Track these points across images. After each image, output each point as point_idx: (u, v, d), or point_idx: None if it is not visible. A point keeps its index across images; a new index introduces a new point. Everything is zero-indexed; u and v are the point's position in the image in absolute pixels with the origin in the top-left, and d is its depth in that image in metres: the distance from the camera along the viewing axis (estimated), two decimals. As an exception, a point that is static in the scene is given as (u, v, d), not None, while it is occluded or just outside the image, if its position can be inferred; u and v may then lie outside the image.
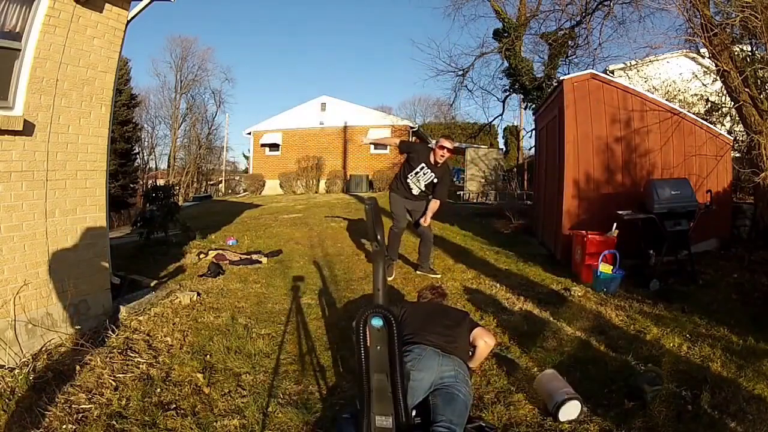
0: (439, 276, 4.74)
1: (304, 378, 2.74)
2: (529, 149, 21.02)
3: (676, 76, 8.99)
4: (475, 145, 18.35)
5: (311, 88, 70.27)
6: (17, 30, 3.01)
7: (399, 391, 1.51)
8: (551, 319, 3.54)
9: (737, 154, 6.43)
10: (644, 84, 9.46)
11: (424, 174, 4.54)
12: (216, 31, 57.48)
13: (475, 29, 56.38)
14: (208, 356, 2.98)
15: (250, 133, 21.36)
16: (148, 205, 6.59)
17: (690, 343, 3.02)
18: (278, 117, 20.87)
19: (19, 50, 3.01)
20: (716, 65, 5.27)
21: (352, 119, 19.70)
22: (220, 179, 33.56)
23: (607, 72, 10.45)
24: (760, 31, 4.72)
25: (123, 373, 2.73)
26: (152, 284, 4.47)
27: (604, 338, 3.14)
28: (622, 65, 10.59)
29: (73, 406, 2.39)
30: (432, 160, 4.50)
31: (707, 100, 8.21)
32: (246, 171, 27.64)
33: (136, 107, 26.30)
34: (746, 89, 5.08)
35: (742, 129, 6.07)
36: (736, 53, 5.50)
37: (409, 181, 4.63)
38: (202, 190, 32.10)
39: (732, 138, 5.91)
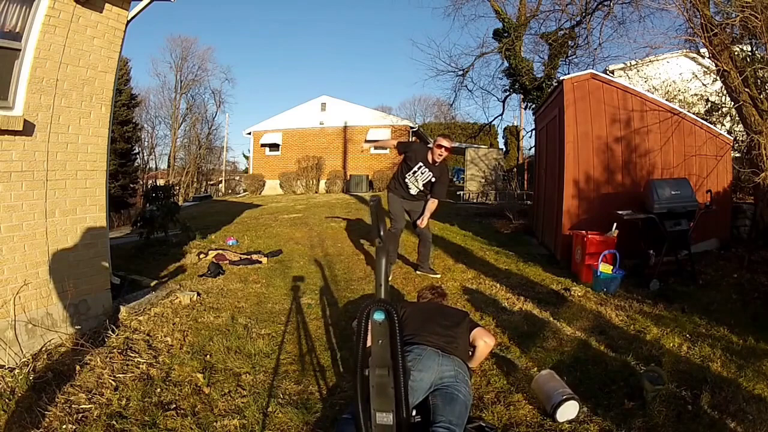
0: (439, 276, 4.73)
1: (304, 378, 2.74)
2: (529, 149, 21.06)
3: (676, 76, 8.98)
4: (475, 145, 18.34)
5: (311, 88, 70.43)
6: (17, 30, 3.01)
7: (401, 386, 1.51)
8: (551, 319, 3.54)
9: (737, 154, 6.43)
10: (644, 84, 9.45)
11: (422, 173, 4.54)
12: (216, 31, 57.59)
13: (475, 29, 56.48)
14: (208, 356, 2.99)
15: (250, 133, 21.36)
16: (148, 205, 6.59)
17: (690, 343, 3.02)
18: (278, 117, 20.87)
19: (19, 50, 3.02)
20: (716, 65, 5.27)
21: (352, 119, 19.70)
22: (220, 179, 33.58)
23: (607, 72, 10.45)
24: (760, 31, 4.72)
25: (123, 373, 2.73)
26: (152, 284, 4.47)
27: (604, 338, 3.14)
28: (622, 65, 10.59)
29: (73, 406, 2.40)
30: (430, 159, 4.49)
31: (707, 100, 8.21)
32: (246, 171, 27.64)
33: (136, 107, 26.31)
34: (746, 89, 5.08)
35: (742, 129, 6.07)
36: (736, 53, 5.49)
37: (407, 180, 4.62)
38: (202, 190, 32.12)
39: (732, 138, 5.90)
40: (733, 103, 5.57)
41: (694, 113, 6.63)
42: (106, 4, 3.50)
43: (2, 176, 2.92)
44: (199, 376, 2.71)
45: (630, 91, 5.52)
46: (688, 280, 4.52)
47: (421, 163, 4.52)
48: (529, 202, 10.34)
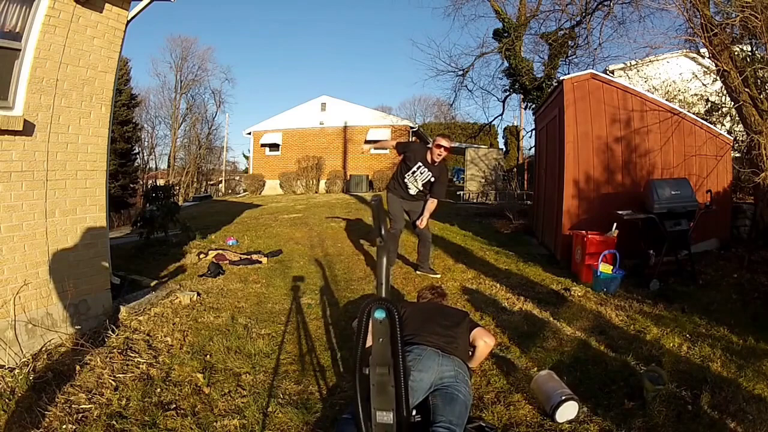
0: (438, 276, 4.73)
1: (304, 378, 2.74)
2: (529, 149, 21.06)
3: (676, 76, 8.98)
4: (475, 145, 18.35)
5: (311, 88, 70.46)
6: (17, 30, 3.01)
7: (401, 385, 1.51)
8: (551, 319, 3.54)
9: (737, 154, 6.43)
10: (644, 84, 9.45)
11: (421, 173, 4.53)
12: (216, 31, 57.61)
13: (475, 29, 56.49)
14: (208, 356, 2.99)
15: (250, 133, 21.36)
16: (148, 205, 6.59)
17: (690, 343, 3.02)
18: (278, 117, 20.87)
19: (19, 50, 3.02)
20: (716, 65, 5.27)
21: (352, 119, 19.70)
22: (220, 179, 33.59)
23: (607, 72, 10.45)
24: (760, 31, 4.72)
25: (123, 373, 2.73)
26: (152, 284, 4.47)
27: (604, 338, 3.14)
28: (622, 65, 10.59)
29: (73, 406, 2.40)
30: (429, 158, 4.49)
31: (707, 100, 8.21)
32: (246, 171, 27.64)
33: (136, 107, 26.32)
34: (746, 89, 5.08)
35: (742, 129, 6.07)
36: (736, 53, 5.49)
37: (406, 180, 4.62)
38: (202, 190, 32.12)
39: (732, 138, 5.90)
40: (733, 103, 5.57)
41: (694, 113, 6.63)
42: (106, 4, 3.50)
43: (2, 176, 2.92)
44: (199, 376, 2.71)
45: (630, 91, 5.52)
46: (688, 280, 4.52)
47: (420, 163, 4.51)
48: (529, 202, 10.35)
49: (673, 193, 4.51)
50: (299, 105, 20.85)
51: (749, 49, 6.19)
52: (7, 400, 2.41)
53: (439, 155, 4.44)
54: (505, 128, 27.34)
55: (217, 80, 57.51)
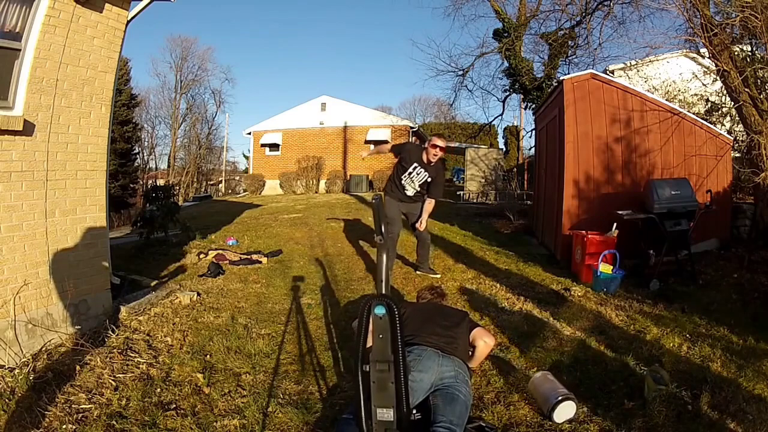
0: (438, 276, 4.73)
1: (304, 378, 2.74)
2: (529, 149, 21.07)
3: (676, 76, 8.99)
4: (475, 145, 18.36)
5: (311, 88, 70.48)
6: (17, 30, 3.01)
7: (401, 381, 1.51)
8: (551, 319, 3.54)
9: (737, 154, 6.43)
10: (644, 84, 9.45)
11: (418, 174, 4.50)
12: (216, 31, 57.64)
13: (475, 29, 56.49)
14: (208, 356, 2.99)
15: (250, 133, 21.36)
16: (148, 205, 6.59)
17: (690, 343, 3.02)
18: (278, 117, 20.87)
19: (19, 50, 3.02)
20: (716, 65, 5.27)
21: (352, 119, 19.70)
22: (220, 179, 33.59)
23: (607, 72, 10.45)
24: (760, 31, 4.72)
25: (123, 373, 2.73)
26: (152, 284, 4.47)
27: (604, 338, 3.14)
28: (622, 65, 10.59)
29: (73, 406, 2.40)
30: (425, 159, 4.46)
31: (707, 100, 8.21)
32: (246, 171, 27.64)
33: (136, 107, 26.32)
34: (746, 89, 5.08)
35: (742, 129, 6.07)
36: (736, 53, 5.49)
37: (403, 182, 4.58)
38: (202, 190, 32.12)
39: (732, 138, 5.90)
40: (733, 103, 5.57)
41: (694, 113, 6.63)
42: (106, 4, 3.50)
43: (2, 176, 2.92)
44: (199, 376, 2.71)
45: (630, 91, 5.52)
46: (688, 280, 4.52)
47: (416, 164, 4.48)
48: (529, 202, 10.35)
49: (673, 193, 4.51)
50: (299, 105, 20.86)
51: (749, 49, 6.19)
52: (7, 400, 2.41)
53: (435, 155, 4.41)
54: (505, 128, 27.37)
55: (217, 80, 57.66)
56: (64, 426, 2.22)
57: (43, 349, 3.00)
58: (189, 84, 32.62)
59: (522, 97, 14.86)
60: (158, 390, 2.56)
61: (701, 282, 4.49)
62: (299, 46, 67.42)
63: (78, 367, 2.74)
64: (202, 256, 5.50)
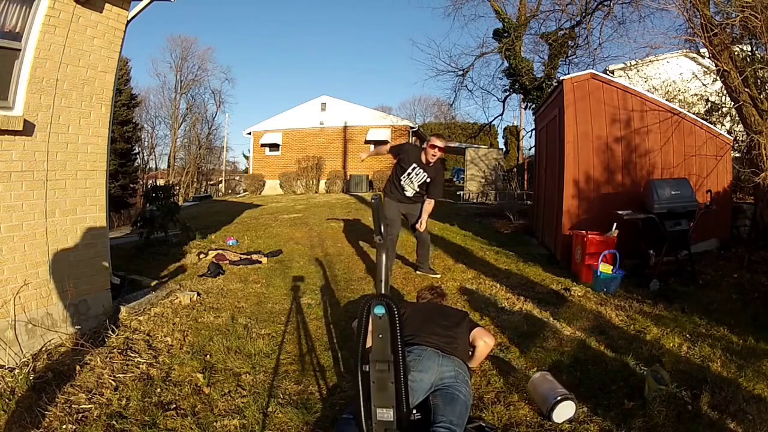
0: (438, 276, 4.73)
1: (304, 378, 2.74)
2: (529, 149, 21.07)
3: (676, 76, 8.99)
4: (475, 145, 18.37)
5: (311, 88, 70.52)
6: (17, 30, 3.01)
7: (401, 381, 1.51)
8: (551, 319, 3.54)
9: (737, 154, 6.43)
10: (644, 84, 9.45)
11: (417, 174, 4.48)
12: (216, 31, 57.66)
13: (475, 29, 56.50)
14: (208, 356, 2.99)
15: (250, 133, 21.36)
16: (148, 205, 6.59)
17: (690, 343, 3.02)
18: (278, 117, 20.87)
19: (19, 50, 3.02)
20: (716, 65, 5.27)
21: (352, 119, 19.71)
22: (220, 179, 33.59)
23: (607, 72, 10.45)
24: (760, 31, 4.71)
25: (123, 373, 2.73)
26: (152, 284, 4.47)
27: (604, 338, 3.14)
28: (622, 65, 10.59)
29: (73, 406, 2.40)
30: (423, 159, 4.45)
31: (707, 100, 8.21)
32: (246, 171, 27.65)
33: (136, 107, 26.32)
34: (746, 89, 5.08)
35: (742, 129, 6.07)
36: (736, 53, 5.49)
37: (402, 183, 4.56)
38: (202, 190, 32.12)
39: (732, 138, 5.90)
40: (733, 103, 5.57)
41: (694, 113, 6.63)
42: (106, 4, 3.50)
43: (2, 176, 2.92)
44: (199, 376, 2.71)
45: (630, 91, 5.52)
46: (688, 280, 4.52)
47: (415, 164, 4.47)
48: (529, 202, 10.35)
49: (673, 193, 4.51)
50: (299, 105, 20.86)
51: (749, 49, 6.18)
52: (7, 400, 2.41)
53: (434, 155, 4.40)
54: (505, 128, 27.38)
55: (217, 80, 57.75)
56: (64, 426, 2.22)
57: (43, 349, 3.00)
58: (189, 84, 32.66)
59: (522, 97, 14.86)
60: (158, 390, 2.56)
61: (701, 282, 4.49)
62: (299, 46, 67.54)
63: (78, 367, 2.74)
64: (202, 256, 5.50)
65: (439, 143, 4.40)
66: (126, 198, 23.22)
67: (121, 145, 22.51)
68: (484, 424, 2.12)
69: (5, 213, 2.95)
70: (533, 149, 10.39)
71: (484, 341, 2.45)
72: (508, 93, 15.11)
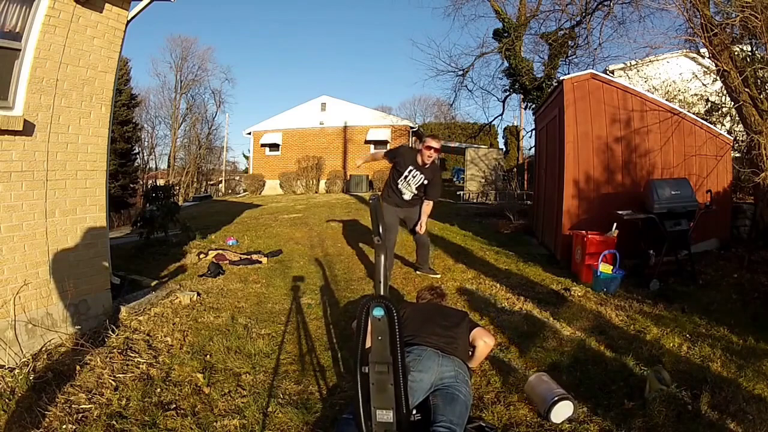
0: (438, 276, 4.73)
1: (304, 378, 2.74)
2: (529, 149, 21.07)
3: (676, 76, 8.98)
4: (475, 145, 18.37)
5: (311, 88, 70.52)
6: (17, 30, 3.01)
7: (400, 383, 1.51)
8: (551, 319, 3.54)
9: (737, 154, 6.43)
10: (644, 84, 9.45)
11: (414, 177, 4.42)
12: (216, 31, 57.67)
13: (475, 29, 56.50)
14: (208, 356, 2.99)
15: (250, 133, 21.37)
16: (148, 205, 6.60)
17: (690, 343, 3.02)
18: (278, 117, 20.88)
19: (19, 50, 3.02)
20: (716, 65, 5.27)
21: (352, 119, 19.71)
22: (220, 179, 33.59)
23: (607, 72, 10.45)
24: (760, 31, 4.71)
25: (123, 373, 2.73)
26: (152, 284, 4.47)
27: (604, 338, 3.14)
28: (622, 65, 10.59)
29: (73, 406, 2.40)
30: (420, 161, 4.39)
31: (707, 100, 8.21)
32: (246, 171, 27.64)
33: (136, 107, 26.32)
34: (746, 89, 5.08)
35: (742, 129, 6.07)
36: (736, 53, 5.49)
37: (400, 186, 4.50)
38: (202, 190, 32.13)
39: (732, 138, 5.90)
40: (733, 103, 5.57)
41: (694, 113, 6.63)
42: (106, 4, 3.50)
43: (2, 176, 2.92)
44: (199, 376, 2.71)
45: (630, 91, 5.52)
46: (688, 280, 4.52)
47: (411, 167, 4.41)
48: (529, 202, 10.35)
49: (673, 193, 4.51)
50: (299, 105, 20.87)
51: (749, 49, 6.18)
52: (7, 400, 2.41)
53: (430, 157, 4.33)
54: (505, 128, 27.36)
55: (217, 80, 57.74)
56: (64, 426, 2.22)
57: (43, 349, 3.00)
58: (189, 84, 32.66)
59: (522, 97, 14.87)
60: (158, 390, 2.56)
61: (701, 282, 4.49)
62: (299, 46, 67.52)
63: (78, 367, 2.74)
64: (202, 256, 5.50)
65: (434, 144, 4.35)
66: (126, 198, 23.23)
67: (121, 145, 22.51)
68: (484, 424, 2.12)
69: (5, 213, 2.95)
70: (533, 149, 10.39)
71: (484, 341, 2.45)
72: (508, 93, 15.13)
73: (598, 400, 2.38)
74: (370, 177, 17.72)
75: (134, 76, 42.47)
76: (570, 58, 12.95)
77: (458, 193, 14.96)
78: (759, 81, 5.90)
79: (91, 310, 3.48)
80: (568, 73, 7.63)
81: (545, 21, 13.45)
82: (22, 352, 2.91)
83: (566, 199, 5.40)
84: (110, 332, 3.25)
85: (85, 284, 3.46)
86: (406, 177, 4.46)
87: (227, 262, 5.29)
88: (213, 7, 55.14)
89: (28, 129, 3.04)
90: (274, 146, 20.49)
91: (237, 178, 32.25)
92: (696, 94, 8.48)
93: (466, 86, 15.08)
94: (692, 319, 3.48)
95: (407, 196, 4.53)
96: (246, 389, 2.60)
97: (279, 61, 66.73)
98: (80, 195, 3.46)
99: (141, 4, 3.92)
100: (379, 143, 18.91)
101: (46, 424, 2.24)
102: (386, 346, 1.49)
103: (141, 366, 2.83)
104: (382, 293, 1.61)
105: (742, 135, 6.19)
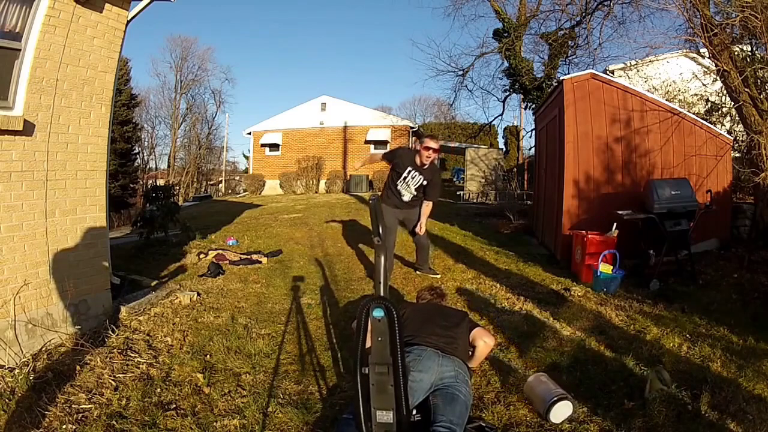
0: (439, 276, 4.73)
1: (304, 378, 2.74)
2: (529, 149, 21.07)
3: (676, 76, 8.98)
4: (475, 145, 18.37)
5: (311, 88, 70.53)
6: (17, 30, 3.01)
7: (400, 384, 1.51)
8: (551, 319, 3.54)
9: (737, 154, 6.43)
10: (644, 84, 9.45)
11: (413, 178, 4.39)
12: (216, 31, 57.68)
13: (475, 29, 56.50)
14: (208, 356, 2.99)
15: (250, 133, 21.37)
16: (148, 205, 6.60)
17: (690, 343, 3.02)
18: (278, 117, 20.88)
19: (19, 50, 3.02)
20: (716, 65, 5.27)
21: (352, 119, 19.71)
22: (220, 179, 33.59)
23: (607, 72, 10.45)
24: (760, 31, 4.71)
25: (123, 373, 2.73)
26: (152, 284, 4.47)
27: (604, 338, 3.14)
28: (622, 65, 10.59)
29: (73, 406, 2.40)
30: (418, 162, 4.36)
31: (707, 100, 8.21)
32: (246, 171, 27.65)
33: (136, 107, 26.33)
34: (746, 89, 5.08)
35: (742, 129, 6.07)
36: (736, 53, 5.49)
37: (399, 188, 4.46)
38: (202, 190, 32.13)
39: (732, 138, 5.90)
40: (733, 103, 5.57)
41: (694, 113, 6.63)
42: (106, 4, 3.50)
43: (2, 176, 2.92)
44: (199, 376, 2.71)
45: (630, 91, 5.52)
46: (688, 280, 4.52)
47: (410, 168, 4.38)
48: (529, 202, 10.35)
49: (673, 193, 4.51)
50: (299, 105, 20.88)
51: (749, 49, 6.18)
52: (7, 400, 2.41)
53: (428, 157, 4.29)
54: (505, 128, 27.36)
55: (217, 80, 57.72)
56: (64, 426, 2.22)
57: (43, 349, 3.00)
58: (189, 84, 32.67)
59: (522, 97, 14.87)
60: (158, 390, 2.56)
61: (701, 282, 4.49)
62: (299, 46, 67.55)
63: (78, 367, 2.74)
64: (202, 256, 5.50)
65: (433, 144, 4.31)
66: (126, 198, 23.23)
67: (121, 145, 22.52)
68: (484, 424, 2.12)
69: (5, 213, 2.95)
70: (533, 149, 10.39)
71: (483, 341, 2.45)
72: (508, 93, 15.12)
73: (598, 400, 2.38)
74: (370, 177, 17.72)
75: (134, 76, 42.53)
76: (570, 58, 12.96)
77: (458, 193, 14.96)
78: (759, 81, 5.90)
79: (91, 310, 3.48)
80: (568, 73, 7.63)
81: (545, 21, 13.47)
82: (22, 352, 2.91)
83: (566, 199, 5.40)
84: (110, 332, 3.25)
85: (85, 284, 3.46)
86: (405, 178, 4.42)
87: (227, 262, 5.29)
88: (213, 7, 55.22)
89: (28, 129, 3.04)
90: (274, 146, 20.50)
91: (237, 178, 32.25)
92: (696, 94, 8.47)
93: (466, 86, 15.10)
94: (692, 319, 3.48)
95: (406, 197, 4.49)
96: (246, 389, 2.60)
97: (279, 61, 66.85)
98: (80, 195, 3.46)
99: (141, 4, 3.92)
100: (379, 143, 18.92)
101: (46, 424, 2.24)
102: (386, 347, 1.49)
103: (141, 366, 2.83)
104: (382, 294, 1.61)
105: (742, 135, 6.19)
